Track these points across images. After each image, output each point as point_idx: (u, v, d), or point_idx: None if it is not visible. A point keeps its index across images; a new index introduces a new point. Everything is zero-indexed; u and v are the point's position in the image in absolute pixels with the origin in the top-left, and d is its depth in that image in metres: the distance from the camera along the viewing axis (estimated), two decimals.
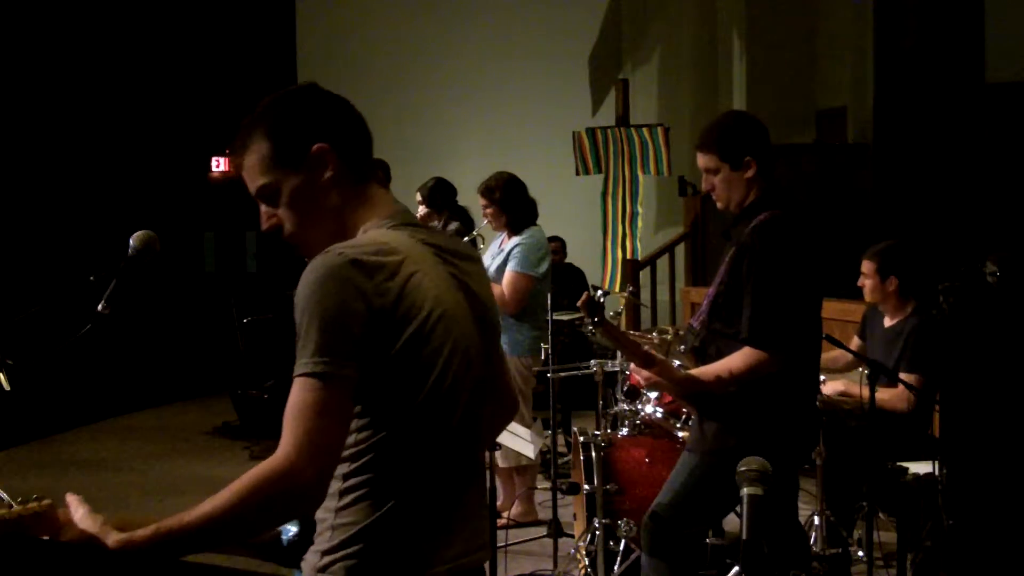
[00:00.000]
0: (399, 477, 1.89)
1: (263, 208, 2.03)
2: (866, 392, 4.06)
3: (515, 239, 5.53)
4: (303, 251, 2.03)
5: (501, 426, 2.40)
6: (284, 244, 2.07)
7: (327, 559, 1.91)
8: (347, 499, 1.90)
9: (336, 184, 1.99)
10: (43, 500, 1.79)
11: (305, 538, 2.02)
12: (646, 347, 3.42)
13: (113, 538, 1.74)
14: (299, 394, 1.79)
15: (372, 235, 1.96)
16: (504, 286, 5.42)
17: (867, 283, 4.94)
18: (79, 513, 1.80)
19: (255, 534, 1.90)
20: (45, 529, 1.78)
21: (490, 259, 5.64)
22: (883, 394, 4.53)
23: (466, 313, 2.01)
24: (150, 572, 1.79)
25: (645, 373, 3.35)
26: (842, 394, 4.88)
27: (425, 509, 1.92)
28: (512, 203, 5.58)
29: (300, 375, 1.80)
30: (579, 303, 3.33)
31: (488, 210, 5.61)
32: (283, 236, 2.03)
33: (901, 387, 4.60)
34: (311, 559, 1.93)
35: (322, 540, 1.92)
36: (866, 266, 4.93)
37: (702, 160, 3.43)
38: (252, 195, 2.03)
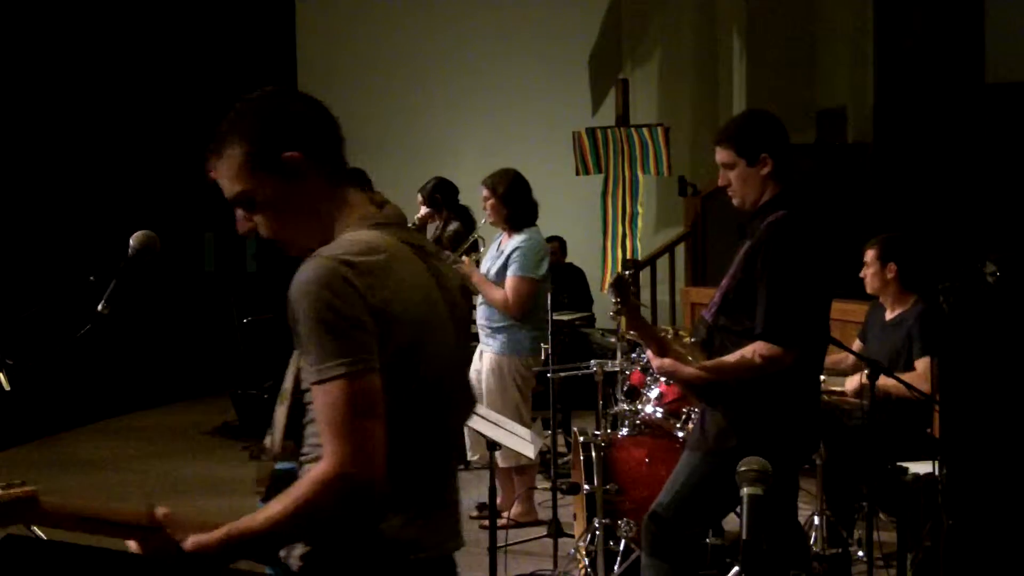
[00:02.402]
0: (390, 468, 1.89)
1: (239, 213, 2.04)
2: (886, 383, 4.17)
3: (514, 241, 5.52)
4: (286, 250, 2.05)
5: (464, 421, 2.40)
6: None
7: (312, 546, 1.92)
8: None
9: (310, 189, 1.99)
10: (26, 486, 1.82)
11: None
12: (662, 334, 3.45)
13: (191, 541, 1.82)
14: (330, 398, 1.80)
15: (352, 235, 1.96)
16: (507, 290, 5.42)
17: (868, 271, 4.97)
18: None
19: (318, 535, 1.93)
20: (30, 516, 1.82)
21: (489, 261, 5.63)
22: (905, 377, 4.50)
23: (445, 311, 2.04)
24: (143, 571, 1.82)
25: (658, 361, 3.37)
26: (859, 392, 4.85)
27: (412, 499, 1.95)
28: (514, 199, 5.57)
29: (326, 380, 1.81)
30: (609, 284, 3.33)
31: (489, 202, 5.59)
32: (263, 238, 2.04)
33: (921, 369, 4.61)
34: (298, 547, 1.94)
35: None
36: (868, 254, 4.98)
37: (719, 155, 3.46)
38: (228, 201, 2.03)
